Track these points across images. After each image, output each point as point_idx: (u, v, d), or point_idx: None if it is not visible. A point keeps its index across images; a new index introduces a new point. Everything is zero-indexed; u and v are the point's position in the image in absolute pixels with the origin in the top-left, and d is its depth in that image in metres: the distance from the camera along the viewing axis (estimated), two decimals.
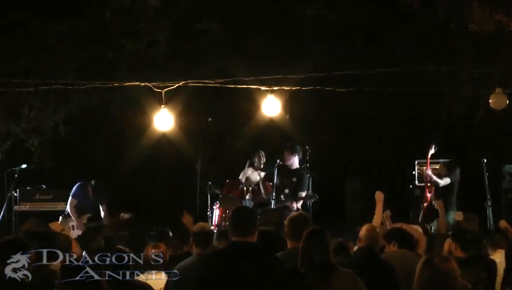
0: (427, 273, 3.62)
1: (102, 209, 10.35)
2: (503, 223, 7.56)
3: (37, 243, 4.67)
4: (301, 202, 9.97)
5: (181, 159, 12.64)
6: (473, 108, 11.00)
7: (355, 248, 6.12)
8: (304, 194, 9.92)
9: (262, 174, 10.76)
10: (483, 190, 10.24)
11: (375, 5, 11.06)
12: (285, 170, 9.91)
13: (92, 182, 10.36)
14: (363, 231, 5.80)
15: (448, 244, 6.18)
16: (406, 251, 5.97)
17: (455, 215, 9.87)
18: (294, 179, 9.94)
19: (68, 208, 10.30)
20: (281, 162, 9.95)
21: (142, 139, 11.62)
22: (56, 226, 7.18)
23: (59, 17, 10.46)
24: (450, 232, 7.91)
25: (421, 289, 3.64)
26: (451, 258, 3.80)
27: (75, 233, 10.17)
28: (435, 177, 10.23)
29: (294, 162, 9.94)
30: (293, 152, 9.96)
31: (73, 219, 10.22)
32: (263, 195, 10.33)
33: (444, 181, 10.18)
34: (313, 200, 10.24)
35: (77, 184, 10.38)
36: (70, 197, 10.29)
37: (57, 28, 10.41)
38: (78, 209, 10.25)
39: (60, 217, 10.31)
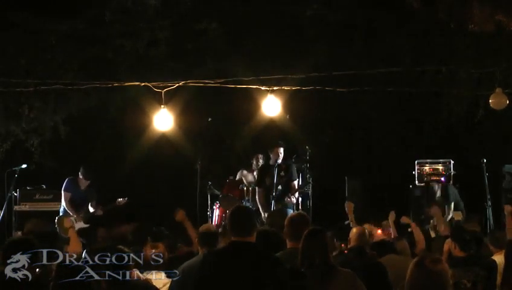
0: (417, 274, 3.62)
1: (92, 206, 10.38)
2: (508, 208, 7.55)
3: (40, 244, 4.68)
4: (297, 193, 10.10)
5: (181, 159, 12.62)
6: (473, 108, 10.99)
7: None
8: (295, 182, 10.11)
9: (250, 177, 10.84)
10: (483, 190, 10.24)
11: (375, 5, 11.05)
12: (278, 169, 10.02)
13: (81, 169, 10.39)
14: (353, 232, 5.85)
15: (448, 244, 6.19)
16: (394, 255, 6.00)
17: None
18: (283, 174, 10.05)
19: (63, 204, 10.32)
20: (279, 161, 10.04)
21: (141, 139, 11.61)
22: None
23: (59, 17, 10.45)
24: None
25: (412, 289, 3.64)
26: (442, 260, 3.80)
27: (76, 227, 10.25)
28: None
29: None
30: (280, 148, 10.12)
31: (71, 213, 10.26)
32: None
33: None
34: (308, 187, 10.51)
35: (67, 179, 10.41)
36: (63, 193, 10.32)
37: (57, 28, 10.40)
38: (73, 204, 10.30)
39: (56, 218, 10.33)
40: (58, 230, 10.18)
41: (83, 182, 10.44)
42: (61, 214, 10.38)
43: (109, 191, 11.08)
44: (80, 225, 10.29)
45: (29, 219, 7.99)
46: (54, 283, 4.04)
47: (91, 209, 10.45)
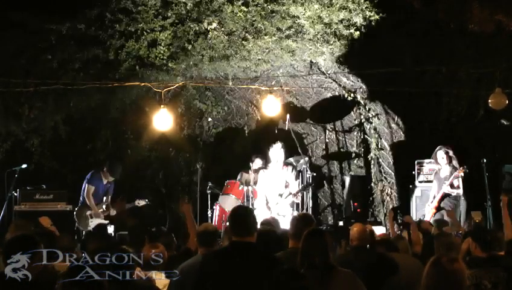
0: (434, 273, 3.64)
1: (107, 201, 10.55)
2: (504, 198, 7.57)
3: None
4: (299, 194, 10.13)
5: (181, 159, 12.63)
6: (473, 108, 10.99)
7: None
8: (296, 183, 10.15)
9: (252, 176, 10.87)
10: (483, 190, 10.24)
11: (375, 5, 11.04)
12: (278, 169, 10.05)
13: (107, 164, 10.72)
14: (354, 231, 5.85)
15: (467, 243, 6.16)
16: (396, 254, 6.00)
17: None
18: (284, 175, 10.07)
19: (85, 196, 10.56)
20: (280, 162, 10.04)
21: (142, 139, 11.61)
22: (45, 221, 7.17)
23: (59, 17, 10.44)
24: (459, 233, 7.95)
25: (428, 289, 3.65)
26: (459, 259, 3.81)
27: (93, 222, 10.35)
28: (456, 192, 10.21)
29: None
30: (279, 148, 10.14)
31: (91, 206, 10.43)
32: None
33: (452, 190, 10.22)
34: (310, 188, 10.58)
35: (92, 172, 10.63)
36: (86, 185, 10.64)
37: (57, 28, 10.39)
38: (95, 197, 10.47)
39: (76, 209, 10.54)
40: (77, 222, 10.37)
41: (107, 176, 10.68)
42: (80, 205, 10.56)
43: (121, 171, 11.13)
44: (98, 220, 10.45)
45: (14, 221, 7.97)
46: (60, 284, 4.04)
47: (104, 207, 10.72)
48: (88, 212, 10.55)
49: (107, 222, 10.55)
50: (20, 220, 7.52)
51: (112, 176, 10.69)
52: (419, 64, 10.66)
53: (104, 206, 10.66)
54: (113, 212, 10.69)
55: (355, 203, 12.34)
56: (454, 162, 10.49)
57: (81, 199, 10.70)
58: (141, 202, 10.81)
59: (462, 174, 10.15)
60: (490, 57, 10.11)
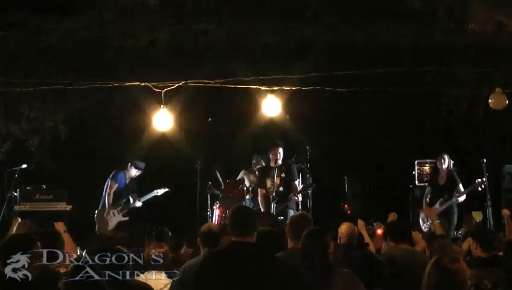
0: (435, 273, 3.65)
1: (132, 197, 10.58)
2: (505, 211, 7.59)
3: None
4: (300, 194, 10.14)
5: (181, 159, 12.62)
6: (473, 108, 10.99)
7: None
8: (297, 182, 10.15)
9: (251, 177, 10.86)
10: (483, 189, 10.24)
11: (374, 4, 11.03)
12: (278, 169, 10.04)
13: (132, 162, 10.83)
14: (343, 228, 5.86)
15: (468, 243, 6.17)
16: (404, 247, 5.99)
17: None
18: (283, 175, 10.07)
19: (106, 191, 10.61)
20: (279, 162, 10.04)
21: (141, 139, 11.61)
22: (60, 226, 7.19)
23: (59, 17, 10.45)
24: (459, 233, 7.98)
25: (429, 289, 3.66)
26: (461, 259, 3.82)
27: (113, 221, 10.33)
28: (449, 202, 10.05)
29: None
30: (278, 148, 10.14)
31: (107, 203, 10.45)
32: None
33: (462, 197, 10.09)
34: (311, 189, 10.50)
35: (115, 170, 10.75)
36: (109, 181, 10.66)
37: (57, 28, 10.40)
38: (115, 195, 10.53)
39: (96, 212, 10.50)
40: (97, 225, 10.34)
41: (130, 175, 10.78)
42: (100, 207, 10.52)
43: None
44: (119, 218, 10.44)
45: (23, 220, 7.99)
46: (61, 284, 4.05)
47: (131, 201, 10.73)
48: (112, 211, 10.55)
49: (127, 218, 10.55)
50: (28, 221, 7.53)
51: (138, 169, 10.80)
52: (419, 64, 10.65)
53: (136, 203, 10.64)
54: (138, 203, 10.74)
55: (346, 205, 12.37)
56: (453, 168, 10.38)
57: (101, 201, 10.69)
58: (160, 191, 10.81)
59: (483, 186, 9.95)
60: (490, 57, 10.11)
